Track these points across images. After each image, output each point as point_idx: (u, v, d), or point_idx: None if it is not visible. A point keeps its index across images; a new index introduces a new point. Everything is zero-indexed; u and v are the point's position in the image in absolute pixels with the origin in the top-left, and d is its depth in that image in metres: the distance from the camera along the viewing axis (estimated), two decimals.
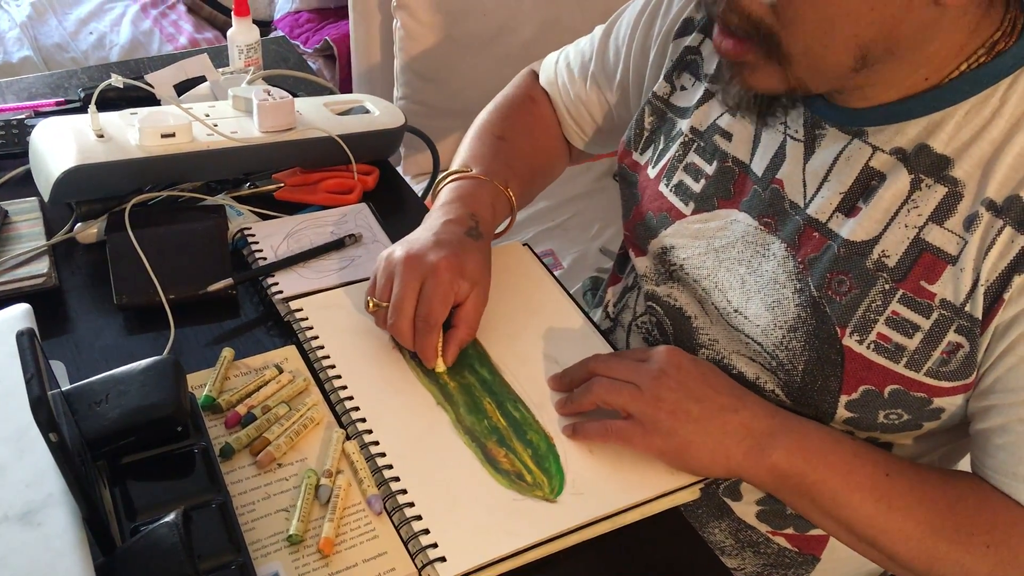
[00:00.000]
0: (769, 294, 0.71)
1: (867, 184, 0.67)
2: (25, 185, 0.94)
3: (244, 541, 0.62)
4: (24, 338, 0.55)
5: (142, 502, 0.63)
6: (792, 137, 0.71)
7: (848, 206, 0.68)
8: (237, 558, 0.60)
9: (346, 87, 1.84)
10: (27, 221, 0.88)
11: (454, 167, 0.86)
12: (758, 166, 0.73)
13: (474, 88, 1.51)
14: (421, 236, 0.77)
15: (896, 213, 0.65)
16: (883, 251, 0.66)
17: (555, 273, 1.37)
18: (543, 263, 0.91)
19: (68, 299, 0.84)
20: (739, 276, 0.73)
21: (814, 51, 0.61)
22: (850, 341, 0.67)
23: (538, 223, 1.51)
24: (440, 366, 0.76)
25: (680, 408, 0.68)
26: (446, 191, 0.83)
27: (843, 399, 0.68)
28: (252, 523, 0.65)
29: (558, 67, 0.97)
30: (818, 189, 0.69)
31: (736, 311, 0.74)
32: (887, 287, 0.65)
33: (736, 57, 0.65)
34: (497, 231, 0.86)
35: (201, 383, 0.74)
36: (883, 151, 0.66)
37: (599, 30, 0.95)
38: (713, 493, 0.80)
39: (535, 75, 1.00)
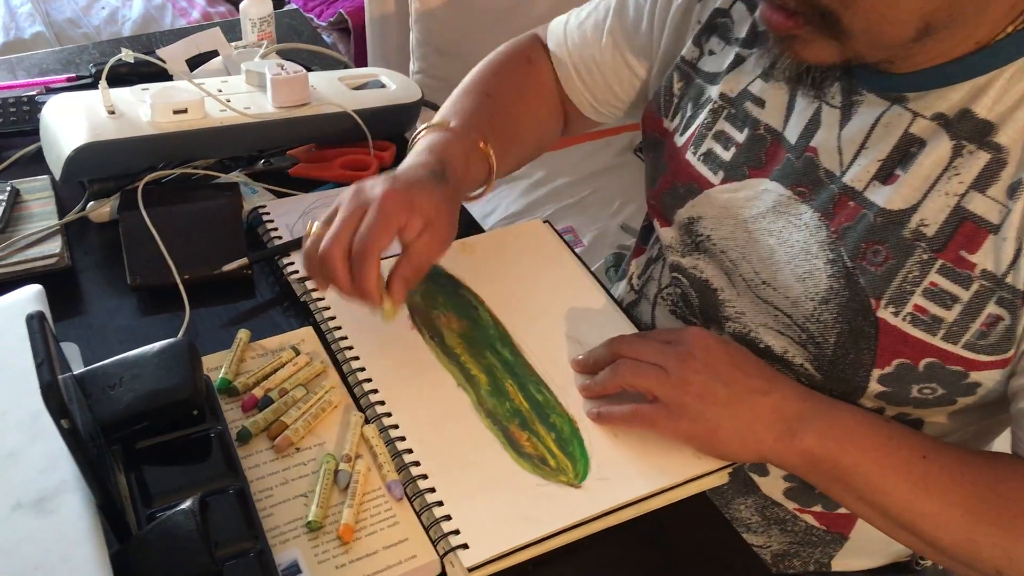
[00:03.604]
0: (800, 265, 0.69)
1: (906, 151, 0.64)
2: (37, 163, 0.92)
3: (262, 528, 0.60)
4: (34, 322, 0.53)
5: (158, 488, 0.62)
6: (828, 103, 0.69)
7: (886, 173, 0.65)
8: (255, 545, 0.59)
9: (361, 61, 1.81)
10: (39, 200, 0.87)
11: (435, 120, 0.81)
12: (792, 133, 0.71)
13: None
14: (386, 174, 0.71)
15: (936, 180, 0.63)
16: (922, 220, 0.63)
17: (576, 250, 1.36)
18: (564, 240, 0.89)
19: (81, 279, 0.83)
20: (768, 247, 0.71)
21: (876, 26, 0.59)
22: (885, 313, 0.64)
23: (557, 200, 1.49)
24: (387, 311, 0.69)
25: (708, 391, 0.66)
26: (420, 143, 0.78)
27: (876, 373, 0.66)
28: (270, 509, 0.64)
29: (568, 28, 0.91)
30: (855, 157, 0.67)
31: (764, 283, 0.71)
32: (925, 257, 0.63)
33: (787, 31, 0.62)
34: (473, 194, 0.81)
35: (217, 365, 0.73)
36: (924, 117, 0.64)
37: None
38: (739, 469, 0.78)
39: (537, 38, 0.94)
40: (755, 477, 0.78)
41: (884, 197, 0.65)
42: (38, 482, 0.56)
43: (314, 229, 0.69)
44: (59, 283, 0.81)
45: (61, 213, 0.86)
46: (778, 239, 0.70)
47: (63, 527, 0.54)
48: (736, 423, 0.66)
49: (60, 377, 0.54)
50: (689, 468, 0.69)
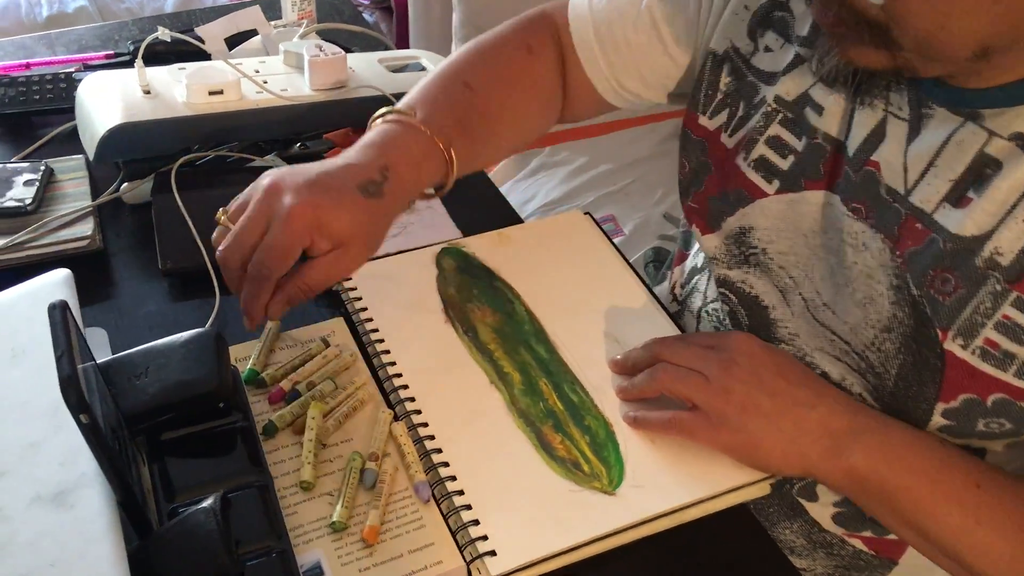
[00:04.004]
0: (860, 289, 0.64)
1: (980, 172, 0.59)
2: (72, 141, 0.91)
3: (285, 527, 0.59)
4: (56, 312, 0.52)
5: (181, 482, 0.61)
6: (895, 115, 0.63)
7: (957, 196, 0.60)
8: (277, 545, 0.57)
9: (403, 40, 1.79)
10: (73, 180, 0.86)
11: (400, 104, 0.74)
12: (852, 144, 0.65)
13: None
14: (308, 168, 0.65)
15: (1014, 207, 0.58)
16: (996, 248, 0.58)
17: (615, 240, 1.33)
18: (605, 233, 0.86)
19: (113, 262, 0.81)
20: (829, 266, 0.67)
21: (927, 44, 0.55)
22: (953, 346, 0.60)
23: (598, 187, 1.46)
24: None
25: (751, 401, 0.63)
26: (373, 131, 0.71)
27: (940, 407, 0.62)
28: (294, 507, 0.62)
29: (594, 4, 0.81)
30: (922, 175, 0.62)
31: (825, 305, 0.67)
32: (999, 288, 0.58)
33: (837, 29, 0.58)
34: (427, 192, 0.74)
35: (245, 355, 0.71)
36: (1000, 136, 0.59)
37: None
38: (786, 493, 0.75)
39: (546, 17, 0.85)
40: (803, 502, 0.75)
41: (955, 222, 0.60)
42: (58, 475, 0.55)
43: (221, 219, 0.66)
44: (90, 265, 0.80)
45: (95, 194, 0.85)
46: (838, 258, 0.66)
47: (82, 522, 0.53)
48: (780, 436, 0.63)
49: (82, 366, 0.52)
50: (729, 478, 0.66)
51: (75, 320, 0.53)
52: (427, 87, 0.76)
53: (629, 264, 0.83)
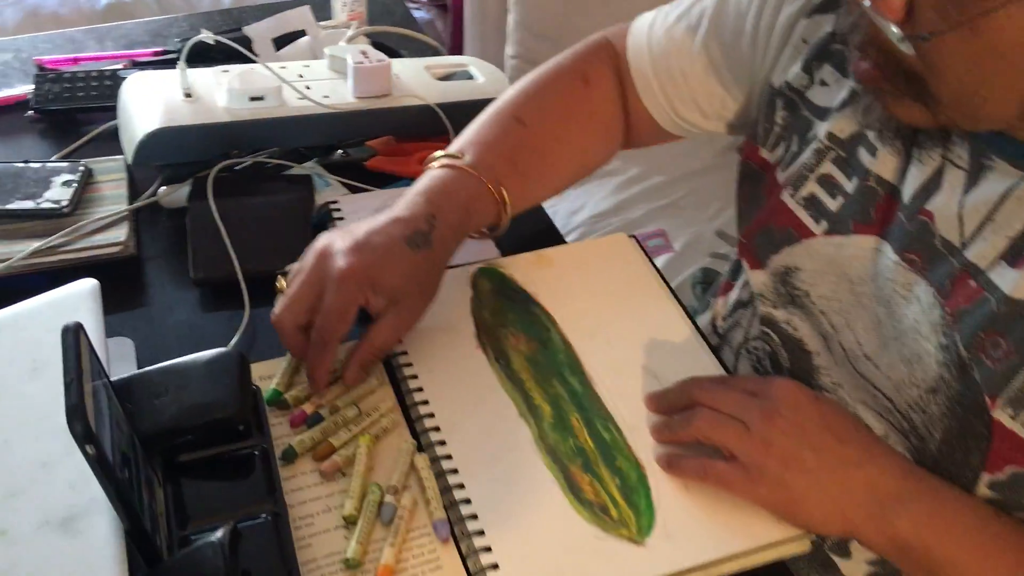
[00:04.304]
0: (907, 344, 0.60)
1: None
2: (115, 140, 0.90)
3: (296, 561, 0.57)
4: (69, 335, 0.50)
5: (195, 507, 0.59)
6: (953, 163, 0.59)
7: (1014, 255, 0.56)
8: None
9: (457, 39, 1.76)
10: (111, 182, 0.85)
11: (451, 148, 0.74)
12: (907, 190, 0.61)
13: None
14: (357, 229, 0.67)
15: None
16: None
17: (664, 257, 1.29)
18: (649, 259, 0.82)
19: (146, 268, 0.80)
20: (875, 317, 0.62)
21: (968, 100, 0.51)
22: (1001, 415, 0.56)
23: (649, 200, 1.42)
24: (328, 391, 0.66)
25: (793, 456, 0.60)
26: (425, 178, 0.71)
27: (985, 477, 0.58)
28: (308, 539, 0.60)
29: (653, 34, 0.79)
30: (979, 229, 0.58)
31: (867, 357, 0.63)
32: None
33: (874, 83, 0.55)
34: (482, 231, 0.74)
35: (270, 373, 0.69)
36: None
37: None
38: (818, 547, 0.71)
39: (606, 45, 0.83)
40: (836, 558, 0.71)
41: (1011, 283, 0.56)
42: (69, 498, 0.54)
43: (279, 285, 0.68)
44: (122, 271, 0.79)
45: (133, 196, 0.84)
46: (886, 310, 0.62)
47: (87, 552, 0.52)
48: (822, 495, 0.59)
49: (99, 383, 0.51)
50: (767, 532, 0.62)
51: (90, 342, 0.52)
52: (479, 127, 0.76)
53: (673, 293, 0.79)
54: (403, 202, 0.69)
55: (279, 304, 0.66)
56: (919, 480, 0.59)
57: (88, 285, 0.66)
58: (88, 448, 0.47)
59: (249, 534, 0.57)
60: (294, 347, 0.67)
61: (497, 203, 0.71)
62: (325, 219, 0.84)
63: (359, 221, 0.68)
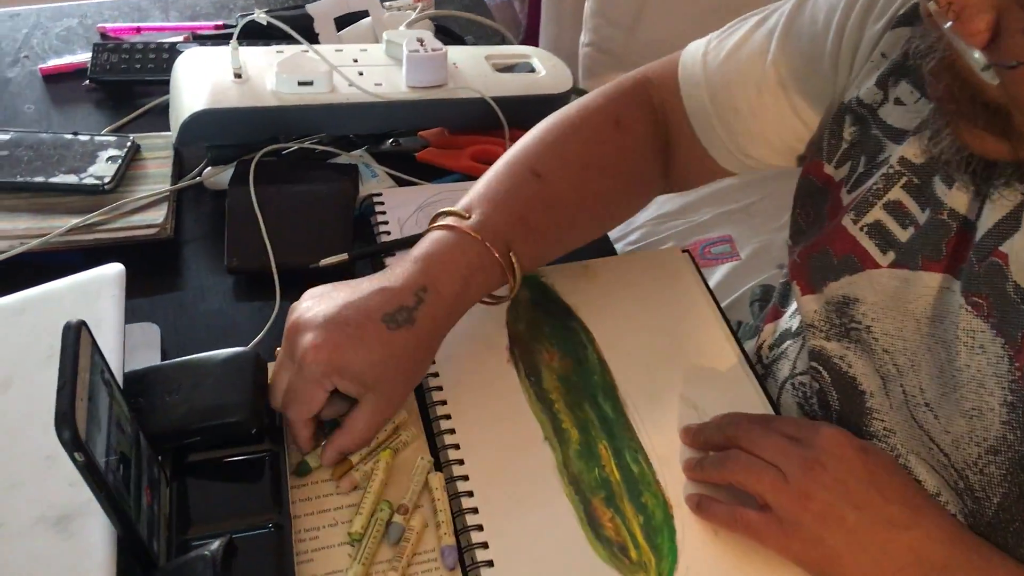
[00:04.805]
0: (969, 398, 0.54)
1: None
2: (167, 116, 0.89)
3: None
4: (70, 334, 0.48)
5: (198, 512, 0.57)
6: None
7: None
8: None
9: (534, 21, 1.71)
10: (157, 159, 0.83)
11: (460, 203, 0.67)
12: (981, 227, 0.55)
13: (670, 42, 1.36)
14: (335, 298, 0.61)
15: None
16: None
17: (729, 265, 1.23)
18: (703, 279, 0.78)
19: (183, 252, 0.79)
20: (939, 362, 0.57)
21: None
22: None
23: (718, 203, 1.35)
24: (313, 460, 0.62)
25: (832, 513, 0.55)
26: (425, 240, 0.65)
27: None
28: (311, 554, 0.58)
29: (709, 63, 0.72)
30: None
31: (927, 405, 0.58)
32: None
33: (948, 105, 0.49)
34: (488, 296, 0.67)
35: None
36: None
37: (780, 8, 0.70)
38: None
39: (640, 88, 0.76)
40: None
41: None
42: (66, 496, 0.53)
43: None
44: (158, 254, 0.78)
45: (178, 176, 0.83)
46: (948, 355, 0.56)
47: (78, 555, 0.50)
48: (861, 556, 0.55)
49: (99, 382, 0.49)
50: None
51: (93, 339, 0.50)
52: (491, 180, 0.69)
53: (724, 317, 0.74)
54: (398, 268, 0.63)
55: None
56: (969, 549, 0.54)
57: (113, 270, 0.64)
58: (77, 456, 0.45)
59: (249, 545, 0.55)
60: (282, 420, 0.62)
61: (503, 270, 0.65)
62: (368, 212, 0.82)
63: (343, 283, 0.63)
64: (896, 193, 0.60)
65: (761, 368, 0.75)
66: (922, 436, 0.58)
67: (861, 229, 0.61)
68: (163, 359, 0.69)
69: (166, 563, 0.53)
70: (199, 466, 0.60)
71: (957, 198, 0.56)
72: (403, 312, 0.60)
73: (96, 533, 0.51)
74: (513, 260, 0.64)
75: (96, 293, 0.63)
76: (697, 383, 0.69)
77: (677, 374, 0.69)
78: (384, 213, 0.81)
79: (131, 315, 0.70)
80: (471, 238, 0.64)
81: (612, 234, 1.29)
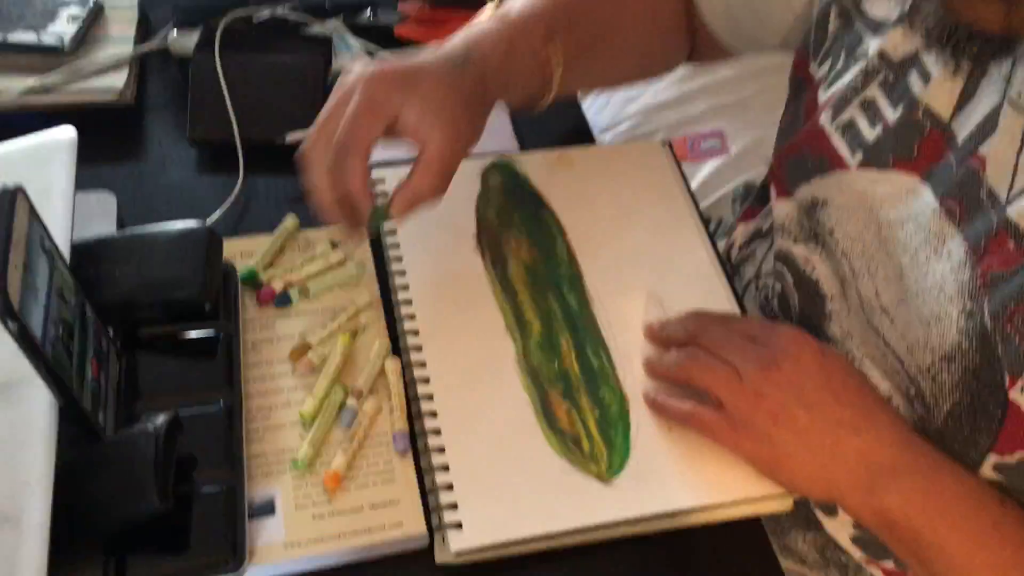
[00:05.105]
0: (928, 304, 0.53)
1: None
2: None
3: (243, 457, 0.55)
4: (6, 199, 0.46)
5: (148, 385, 0.57)
6: (1014, 103, 0.50)
7: None
8: (229, 477, 0.53)
9: None
10: (121, 23, 0.80)
11: (494, 7, 0.66)
12: (961, 129, 0.53)
13: None
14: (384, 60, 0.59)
15: None
16: None
17: (717, 161, 1.20)
18: (682, 174, 0.75)
19: (145, 121, 0.76)
20: (899, 267, 0.55)
21: None
22: (1020, 396, 0.49)
23: (713, 95, 1.31)
24: (373, 221, 0.58)
25: (784, 412, 0.55)
26: (463, 29, 0.63)
27: (992, 459, 0.52)
28: (263, 432, 0.57)
29: None
30: None
31: (883, 310, 0.56)
32: None
33: None
34: (521, 99, 0.66)
35: (252, 250, 0.66)
36: None
37: None
38: (803, 501, 0.67)
39: None
40: (820, 515, 0.66)
41: None
42: (12, 363, 0.51)
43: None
44: (118, 121, 0.75)
45: (142, 40, 0.79)
46: (911, 261, 0.54)
47: (19, 424, 0.50)
48: (809, 456, 0.54)
49: (38, 250, 0.48)
50: (748, 487, 0.58)
51: (31, 205, 0.48)
52: None
53: (700, 214, 0.72)
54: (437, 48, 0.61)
55: (307, 139, 0.57)
56: (918, 454, 0.54)
57: (65, 135, 0.62)
58: (9, 324, 0.44)
59: (198, 423, 0.55)
60: (321, 188, 0.56)
61: (544, 66, 0.63)
62: None
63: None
64: (872, 91, 0.58)
65: (729, 268, 0.74)
66: (878, 341, 0.57)
67: (836, 128, 0.59)
68: (120, 229, 0.67)
69: (109, 436, 0.53)
70: (151, 341, 0.59)
71: (935, 96, 0.54)
72: (457, 58, 0.59)
73: (39, 402, 0.50)
74: (552, 60, 0.63)
75: (46, 158, 0.61)
76: (666, 280, 0.67)
77: (646, 270, 0.68)
78: None
79: (88, 183, 0.68)
80: (516, 24, 0.62)
81: (602, 122, 1.27)
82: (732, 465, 0.58)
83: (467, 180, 0.71)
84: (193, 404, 0.56)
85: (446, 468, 0.56)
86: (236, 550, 0.51)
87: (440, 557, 0.55)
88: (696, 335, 0.60)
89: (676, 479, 0.58)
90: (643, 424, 0.60)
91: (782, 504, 0.59)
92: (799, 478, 0.55)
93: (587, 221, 0.70)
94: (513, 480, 0.56)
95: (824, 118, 0.60)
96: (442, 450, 0.57)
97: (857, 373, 0.58)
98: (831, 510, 0.65)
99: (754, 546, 0.59)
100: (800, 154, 0.63)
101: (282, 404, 0.59)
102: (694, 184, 1.20)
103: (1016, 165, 0.50)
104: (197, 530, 0.52)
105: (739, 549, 0.58)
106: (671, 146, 0.77)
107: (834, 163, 0.60)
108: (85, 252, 0.58)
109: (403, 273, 0.65)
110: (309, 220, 0.68)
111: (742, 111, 1.31)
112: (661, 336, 0.63)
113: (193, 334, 0.59)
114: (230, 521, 0.52)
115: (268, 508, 0.54)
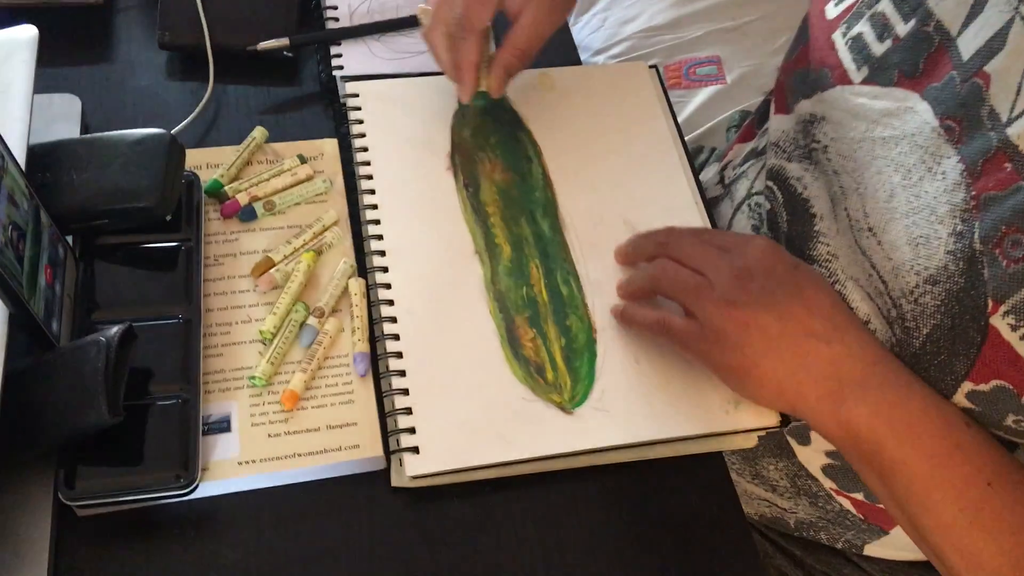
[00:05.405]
0: (919, 224, 0.52)
1: None
2: None
3: (199, 372, 0.54)
4: None
5: (105, 295, 0.56)
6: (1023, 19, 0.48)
7: None
8: (183, 391, 0.53)
9: None
10: None
11: None
12: (967, 46, 0.51)
13: None
14: None
15: None
16: None
17: (713, 87, 1.17)
18: (667, 97, 0.73)
19: (115, 21, 0.73)
20: (889, 186, 0.54)
21: None
22: (1000, 323, 0.48)
23: (711, 19, 1.27)
24: (481, 88, 0.64)
25: (755, 321, 0.53)
26: None
27: (967, 386, 0.51)
28: (222, 348, 0.57)
29: None
30: None
31: (870, 230, 0.55)
32: None
33: None
34: None
35: (218, 161, 0.64)
36: None
37: None
38: (776, 431, 0.66)
39: None
40: (792, 442, 0.66)
41: None
42: None
43: (420, 10, 0.65)
44: (87, 21, 0.72)
45: None
46: (904, 180, 0.53)
47: None
48: (778, 365, 0.54)
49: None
50: (711, 422, 0.58)
51: None
52: None
53: (683, 141, 0.70)
54: None
55: (428, 19, 0.63)
56: (887, 369, 0.53)
57: (25, 33, 0.60)
58: None
59: (155, 335, 0.54)
60: (444, 62, 0.63)
61: None
62: None
63: None
64: (884, 4, 0.56)
65: (722, 188, 0.73)
66: (863, 262, 0.56)
67: (846, 43, 0.58)
68: (84, 134, 0.65)
69: (62, 344, 0.52)
70: (110, 250, 0.57)
71: (946, 10, 0.52)
72: None
73: None
74: None
75: (5, 56, 0.59)
76: (643, 209, 0.66)
77: (623, 197, 0.66)
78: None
79: (53, 85, 0.66)
80: None
81: (595, 43, 1.23)
82: (698, 398, 0.58)
83: (444, 98, 0.69)
84: (152, 316, 0.55)
85: (406, 392, 0.56)
86: (188, 465, 0.50)
87: (396, 480, 0.54)
88: (667, 247, 0.59)
89: (640, 412, 0.57)
90: (609, 355, 0.59)
91: (747, 440, 0.59)
92: (767, 388, 0.55)
93: (565, 144, 0.68)
94: (473, 406, 0.56)
95: (838, 33, 0.58)
96: (403, 373, 0.56)
97: (830, 288, 0.57)
98: (804, 438, 0.65)
99: (715, 482, 0.58)
100: (804, 68, 0.61)
101: (242, 320, 0.58)
102: (688, 111, 1.18)
103: (1020, 84, 0.48)
104: (150, 443, 0.51)
105: (700, 484, 0.58)
106: (658, 69, 0.74)
107: (836, 78, 0.58)
108: (43, 156, 0.57)
109: (372, 192, 0.64)
110: (279, 133, 0.67)
111: (740, 38, 1.27)
112: (628, 252, 0.62)
113: (153, 245, 0.58)
114: (184, 435, 0.51)
115: (224, 425, 0.54)
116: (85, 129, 0.66)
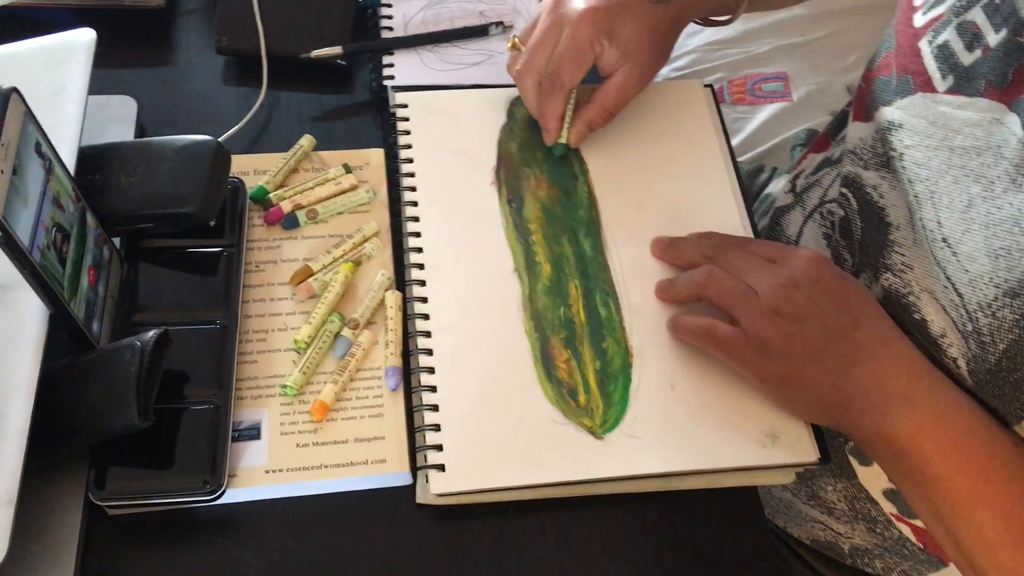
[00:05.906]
0: (1000, 236, 0.50)
1: None
2: None
3: (232, 378, 0.54)
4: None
5: (147, 298, 0.57)
6: None
7: None
8: (216, 396, 0.53)
9: None
10: None
11: None
12: None
13: None
14: None
15: None
16: None
17: (778, 106, 1.14)
18: (721, 119, 0.71)
19: (174, 25, 0.75)
20: (967, 197, 0.52)
21: None
22: None
23: (781, 34, 1.24)
24: (561, 140, 0.65)
25: (801, 331, 0.53)
26: None
27: None
28: (256, 355, 0.57)
29: None
30: None
31: (944, 240, 0.53)
32: None
33: None
34: (719, 18, 0.70)
35: (266, 168, 0.64)
36: None
37: None
38: (837, 446, 0.65)
39: None
40: (854, 462, 0.64)
41: None
42: (8, 266, 0.52)
43: (514, 43, 0.65)
44: (148, 24, 0.73)
45: None
46: (985, 190, 0.51)
47: (11, 325, 0.50)
48: (823, 378, 0.53)
49: (31, 154, 0.47)
50: (747, 455, 0.56)
51: (27, 108, 0.47)
52: None
53: (735, 164, 0.69)
54: None
55: (519, 59, 0.63)
56: (934, 383, 0.52)
57: (84, 36, 0.61)
58: None
59: (192, 340, 0.55)
60: (532, 105, 0.64)
61: None
62: (373, 2, 0.76)
63: None
64: (974, 13, 0.54)
65: (792, 196, 0.71)
66: (939, 274, 0.54)
67: (932, 50, 0.56)
68: (139, 136, 0.67)
69: (101, 346, 0.53)
70: (154, 252, 0.58)
71: None
72: None
73: (30, 307, 0.50)
74: None
75: (63, 59, 0.60)
76: (689, 231, 0.64)
77: (669, 219, 0.65)
78: (390, 6, 0.75)
79: (110, 87, 0.68)
80: None
81: None
82: (734, 431, 0.56)
83: (493, 111, 0.69)
84: (190, 321, 0.56)
85: (435, 408, 0.55)
86: (215, 471, 0.51)
87: (421, 497, 0.54)
88: (711, 256, 0.58)
89: (673, 441, 0.56)
90: (645, 380, 0.58)
91: (785, 476, 0.58)
92: (811, 400, 0.54)
93: (613, 163, 0.67)
94: (502, 426, 0.55)
95: (924, 41, 0.57)
96: (433, 389, 0.56)
97: (875, 302, 0.56)
98: (866, 458, 0.63)
99: (748, 515, 0.57)
100: (889, 75, 0.60)
101: (278, 328, 0.58)
102: (751, 127, 1.15)
103: None
104: (181, 447, 0.52)
105: (732, 517, 0.57)
106: (712, 88, 0.72)
107: (918, 85, 0.57)
108: (93, 158, 0.58)
109: (414, 204, 0.63)
110: (328, 140, 0.67)
111: (809, 55, 1.24)
112: (672, 253, 0.61)
113: (196, 249, 0.58)
114: (213, 441, 0.52)
115: (254, 432, 0.54)
116: (140, 130, 0.67)
